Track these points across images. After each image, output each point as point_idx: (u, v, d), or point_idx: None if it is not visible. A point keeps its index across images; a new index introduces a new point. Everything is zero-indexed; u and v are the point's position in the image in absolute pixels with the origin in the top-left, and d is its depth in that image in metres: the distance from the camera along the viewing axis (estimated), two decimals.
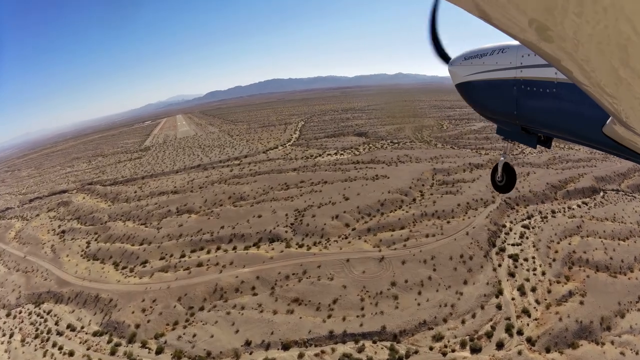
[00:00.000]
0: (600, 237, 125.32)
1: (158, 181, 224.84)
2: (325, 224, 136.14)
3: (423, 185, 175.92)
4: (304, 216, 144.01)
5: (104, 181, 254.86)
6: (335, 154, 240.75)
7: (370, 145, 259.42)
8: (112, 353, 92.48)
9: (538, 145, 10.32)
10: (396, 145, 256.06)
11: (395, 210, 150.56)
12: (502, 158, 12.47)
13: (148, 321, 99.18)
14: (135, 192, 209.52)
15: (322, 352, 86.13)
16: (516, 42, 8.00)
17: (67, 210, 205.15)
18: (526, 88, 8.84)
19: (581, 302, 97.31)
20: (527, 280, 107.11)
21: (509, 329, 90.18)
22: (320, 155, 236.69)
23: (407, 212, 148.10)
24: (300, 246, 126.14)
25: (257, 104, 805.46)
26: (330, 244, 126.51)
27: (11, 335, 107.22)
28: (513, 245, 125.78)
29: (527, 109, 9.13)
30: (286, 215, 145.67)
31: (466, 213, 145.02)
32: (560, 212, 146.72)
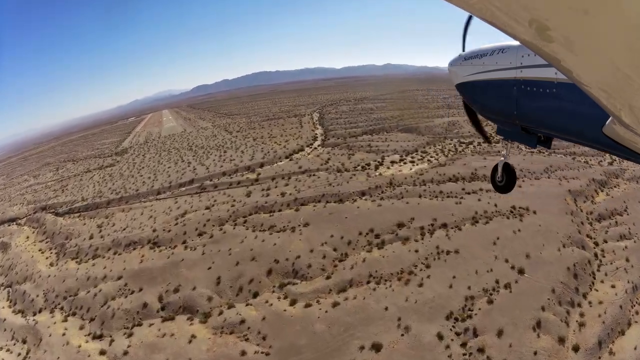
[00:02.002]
0: None
1: (129, 212, 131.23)
2: None
3: (582, 223, 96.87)
4: None
5: (60, 205, 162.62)
6: (402, 161, 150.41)
7: (438, 146, 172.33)
8: None
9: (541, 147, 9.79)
10: (470, 146, 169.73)
11: (595, 289, 74.27)
12: (502, 158, 12.09)
13: None
14: (92, 236, 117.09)
15: None
16: (516, 42, 7.79)
17: None
18: (526, 88, 8.39)
19: None
20: None
21: None
22: (380, 164, 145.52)
23: (621, 290, 72.65)
24: None
25: (248, 96, 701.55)
26: None
27: None
28: None
29: (527, 109, 8.67)
30: (447, 348, 55.89)
31: None
32: None
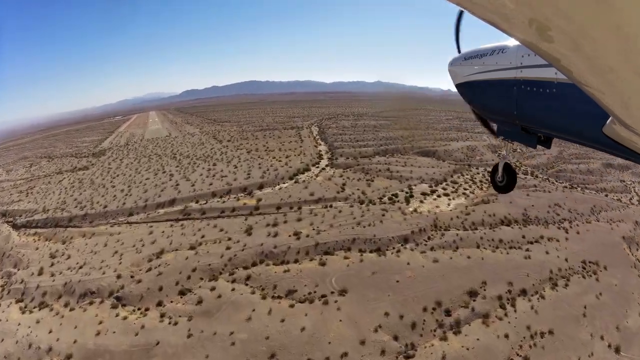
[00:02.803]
0: None
1: (90, 240, 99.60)
2: None
3: None
4: None
5: (20, 214, 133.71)
6: (433, 192, 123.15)
7: (466, 174, 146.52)
8: None
9: (539, 147, 9.63)
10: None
11: None
12: (502, 158, 11.53)
13: None
14: (42, 271, 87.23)
15: None
16: (516, 42, 8.00)
17: None
18: (526, 88, 8.08)
19: None
20: None
21: None
22: (410, 195, 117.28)
23: None
24: None
25: (238, 104, 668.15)
26: None
27: None
28: None
29: (527, 109, 8.35)
30: None
31: None
32: None
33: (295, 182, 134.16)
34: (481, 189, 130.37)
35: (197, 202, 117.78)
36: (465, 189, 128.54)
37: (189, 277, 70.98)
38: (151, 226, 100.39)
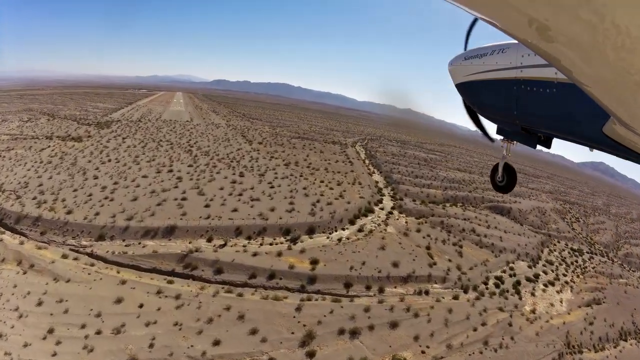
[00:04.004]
0: None
1: (25, 277, 56.60)
2: None
3: None
4: None
5: None
6: (538, 278, 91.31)
7: (553, 249, 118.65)
8: None
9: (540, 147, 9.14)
10: (584, 259, 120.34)
11: None
12: (502, 158, 10.86)
13: None
14: None
15: None
16: (516, 42, 7.54)
17: None
18: (526, 88, 7.77)
19: None
20: None
21: None
22: (518, 283, 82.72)
23: None
24: None
25: (270, 103, 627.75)
26: None
27: None
28: None
29: (527, 109, 8.00)
30: None
31: None
32: None
33: (360, 230, 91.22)
34: (578, 275, 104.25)
35: (210, 240, 74.71)
36: (564, 275, 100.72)
37: None
38: (124, 282, 57.14)
